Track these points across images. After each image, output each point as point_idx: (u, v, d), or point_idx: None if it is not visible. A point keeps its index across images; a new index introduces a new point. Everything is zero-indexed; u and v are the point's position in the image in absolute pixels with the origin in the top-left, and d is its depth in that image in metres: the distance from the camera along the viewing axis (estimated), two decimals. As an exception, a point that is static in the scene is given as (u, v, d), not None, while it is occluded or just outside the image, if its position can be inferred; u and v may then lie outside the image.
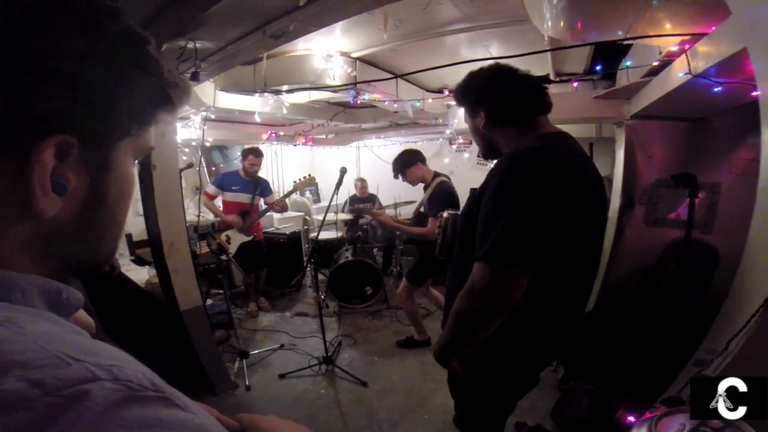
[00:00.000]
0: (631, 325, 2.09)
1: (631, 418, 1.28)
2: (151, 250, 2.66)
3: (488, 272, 0.97)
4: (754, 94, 1.46)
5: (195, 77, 1.92)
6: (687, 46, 1.53)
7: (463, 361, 1.13)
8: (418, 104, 3.54)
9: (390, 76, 2.98)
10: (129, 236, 4.23)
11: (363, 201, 5.31)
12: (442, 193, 2.96)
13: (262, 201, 4.07)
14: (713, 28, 1.34)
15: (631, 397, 1.71)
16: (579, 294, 1.22)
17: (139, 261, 3.91)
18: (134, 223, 4.27)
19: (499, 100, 1.14)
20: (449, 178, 3.10)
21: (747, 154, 2.23)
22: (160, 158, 2.32)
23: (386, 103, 3.42)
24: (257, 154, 3.91)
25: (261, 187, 4.02)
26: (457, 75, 1.26)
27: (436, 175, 3.08)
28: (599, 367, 2.00)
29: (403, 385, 2.86)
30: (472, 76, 1.20)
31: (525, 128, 1.14)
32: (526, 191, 0.97)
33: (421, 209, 3.12)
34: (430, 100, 3.63)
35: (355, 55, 2.84)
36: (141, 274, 3.39)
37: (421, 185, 3.16)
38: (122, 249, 4.09)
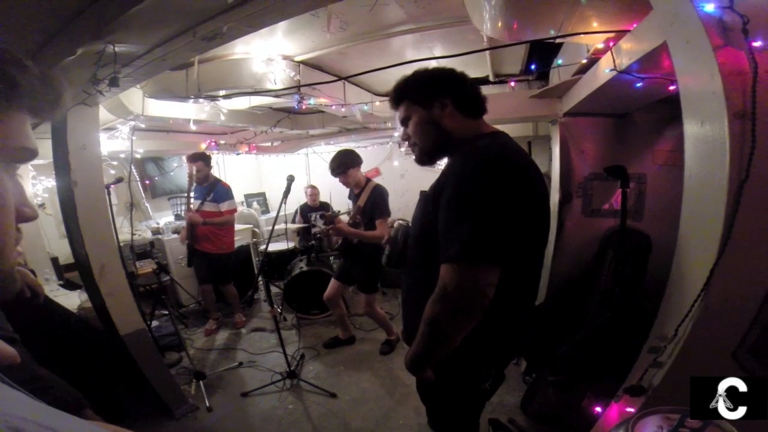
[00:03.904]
0: (582, 313, 2.19)
1: (598, 409, 1.32)
2: (79, 273, 2.43)
3: (459, 273, 0.95)
4: (671, 88, 1.58)
5: (114, 83, 1.75)
6: (612, 43, 1.63)
7: (435, 368, 1.11)
8: (366, 108, 3.51)
9: (335, 78, 2.93)
10: (55, 260, 3.91)
11: (315, 210, 5.11)
12: (384, 195, 3.00)
13: (222, 208, 3.76)
14: (635, 25, 1.44)
15: (594, 384, 1.78)
16: (535, 286, 1.25)
17: (69, 285, 3.62)
18: (60, 245, 3.95)
19: (465, 91, 1.18)
20: None
21: (667, 146, 2.44)
22: (81, 173, 2.10)
23: (334, 107, 3.35)
24: (190, 159, 3.66)
25: (213, 193, 3.75)
26: (404, 77, 1.26)
27: (368, 179, 3.11)
28: (559, 357, 2.07)
29: (373, 392, 2.81)
30: (431, 71, 1.22)
31: (477, 124, 1.19)
32: (488, 188, 0.97)
33: (358, 216, 3.03)
34: (377, 103, 3.62)
35: (298, 58, 2.75)
36: (72, 299, 3.11)
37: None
38: (48, 273, 3.75)
